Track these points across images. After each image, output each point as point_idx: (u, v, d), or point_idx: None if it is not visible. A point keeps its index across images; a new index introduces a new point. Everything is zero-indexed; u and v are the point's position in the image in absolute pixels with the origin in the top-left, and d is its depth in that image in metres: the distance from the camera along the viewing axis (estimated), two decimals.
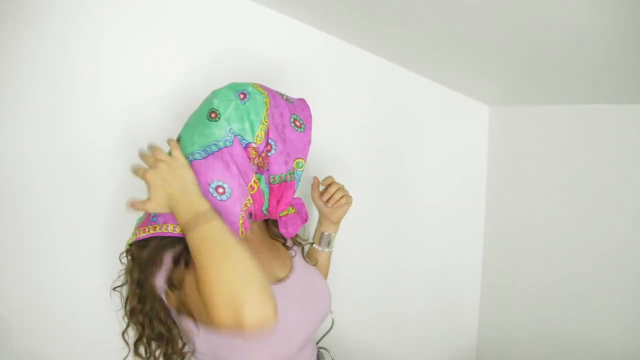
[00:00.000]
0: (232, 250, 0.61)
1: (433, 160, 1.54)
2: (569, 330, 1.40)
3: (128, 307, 0.73)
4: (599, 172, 1.29)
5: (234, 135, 0.71)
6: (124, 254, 0.75)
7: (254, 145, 0.72)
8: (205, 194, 0.68)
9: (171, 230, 0.68)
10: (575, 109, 1.34)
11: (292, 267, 0.86)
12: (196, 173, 0.69)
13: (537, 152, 1.46)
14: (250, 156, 0.72)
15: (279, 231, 0.83)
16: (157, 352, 0.74)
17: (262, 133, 0.72)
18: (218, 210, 0.68)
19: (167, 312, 0.72)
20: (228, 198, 0.69)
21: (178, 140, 0.75)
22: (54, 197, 0.91)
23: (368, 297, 1.44)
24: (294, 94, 0.84)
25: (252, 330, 0.56)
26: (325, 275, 1.02)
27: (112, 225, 0.96)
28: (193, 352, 0.75)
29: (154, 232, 0.69)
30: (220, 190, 0.69)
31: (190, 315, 0.68)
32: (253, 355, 0.71)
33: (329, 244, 1.01)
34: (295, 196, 0.80)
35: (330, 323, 0.98)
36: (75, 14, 0.90)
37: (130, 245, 0.73)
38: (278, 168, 0.74)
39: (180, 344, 0.75)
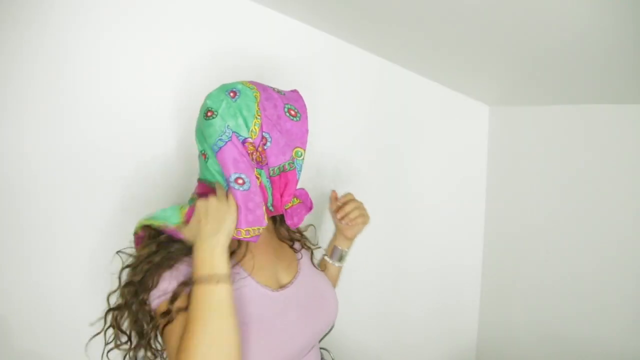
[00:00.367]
0: (224, 321, 0.62)
1: (433, 160, 1.54)
2: (569, 330, 1.40)
3: (128, 279, 0.71)
4: (599, 172, 1.29)
5: (232, 132, 0.71)
6: (140, 229, 0.74)
7: (250, 140, 0.72)
8: (231, 190, 0.69)
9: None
10: (575, 109, 1.34)
11: (297, 271, 0.85)
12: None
13: (537, 152, 1.46)
14: (249, 151, 0.72)
15: (286, 224, 0.82)
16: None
17: (257, 128, 0.72)
18: (244, 200, 0.69)
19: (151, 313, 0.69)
20: (250, 187, 0.70)
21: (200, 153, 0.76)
22: (54, 197, 0.91)
23: (368, 298, 1.44)
24: None
25: None
26: (333, 285, 0.99)
27: (112, 225, 0.96)
28: None
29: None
30: (240, 181, 0.70)
31: (164, 340, 0.68)
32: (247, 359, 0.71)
33: (340, 259, 1.00)
34: (298, 187, 0.79)
35: None
36: (75, 14, 0.90)
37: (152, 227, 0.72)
38: (276, 159, 0.74)
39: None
